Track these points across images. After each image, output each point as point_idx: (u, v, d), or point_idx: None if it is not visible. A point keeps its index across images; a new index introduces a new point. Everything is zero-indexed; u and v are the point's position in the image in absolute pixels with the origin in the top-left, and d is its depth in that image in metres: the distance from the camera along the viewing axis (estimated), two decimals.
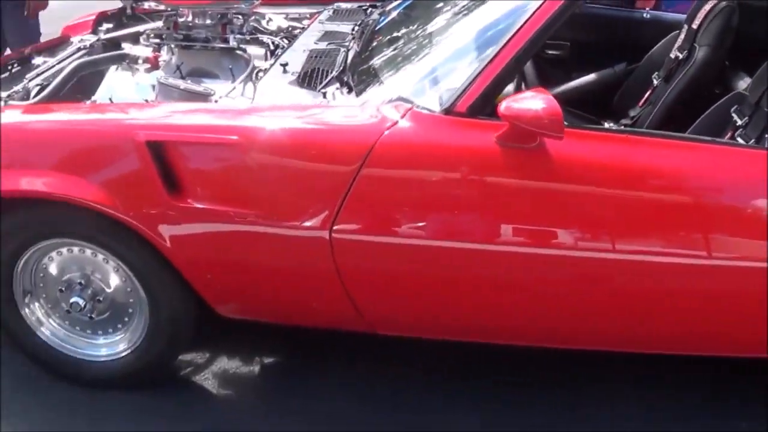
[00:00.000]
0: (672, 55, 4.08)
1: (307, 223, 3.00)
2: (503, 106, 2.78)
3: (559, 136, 2.76)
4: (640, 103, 4.10)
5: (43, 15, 5.55)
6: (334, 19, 4.31)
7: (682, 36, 4.05)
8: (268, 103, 3.32)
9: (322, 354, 3.71)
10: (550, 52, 4.61)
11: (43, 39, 5.06)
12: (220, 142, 3.02)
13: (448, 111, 2.93)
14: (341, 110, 3.15)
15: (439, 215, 2.98)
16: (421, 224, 2.98)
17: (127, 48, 4.03)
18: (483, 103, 2.90)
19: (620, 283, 3.02)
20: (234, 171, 3.04)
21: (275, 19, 4.36)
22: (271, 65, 3.65)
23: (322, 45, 3.83)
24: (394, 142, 2.93)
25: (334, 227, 2.97)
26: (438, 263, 3.03)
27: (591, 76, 4.41)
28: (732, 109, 3.44)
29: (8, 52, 5.06)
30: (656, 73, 4.19)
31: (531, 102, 2.76)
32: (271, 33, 4.18)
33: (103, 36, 4.22)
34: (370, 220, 2.98)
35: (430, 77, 3.17)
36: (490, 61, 2.92)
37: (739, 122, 3.37)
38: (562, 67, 4.61)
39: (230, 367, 3.65)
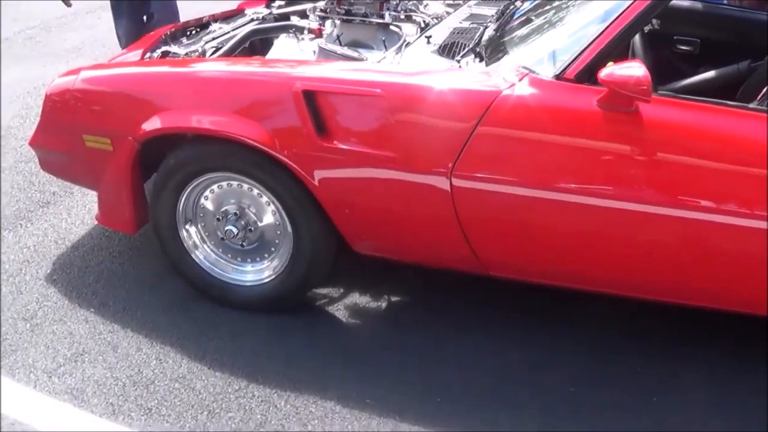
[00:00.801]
0: None
1: (431, 171, 3.44)
2: (603, 73, 3.17)
3: (646, 100, 3.14)
4: (758, 98, 4.26)
5: None
6: (481, 4, 4.69)
7: None
8: (409, 66, 3.74)
9: (448, 296, 4.13)
10: (681, 47, 4.88)
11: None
12: (365, 94, 3.48)
13: (559, 77, 3.33)
14: (469, 75, 3.55)
15: (542, 169, 3.37)
16: (526, 176, 3.38)
17: (295, 20, 4.54)
18: (589, 72, 3.28)
19: (712, 241, 3.36)
20: (374, 120, 3.49)
21: (432, 5, 4.77)
22: (418, 38, 4.07)
23: (466, 24, 4.23)
24: (510, 101, 3.34)
25: (453, 176, 3.39)
26: (539, 213, 3.43)
27: (715, 72, 4.58)
28: None
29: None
30: None
31: (625, 70, 3.16)
32: (426, 13, 4.57)
33: (275, 10, 4.75)
34: (485, 170, 3.40)
35: (549, 50, 3.54)
36: (596, 38, 3.32)
37: None
38: (691, 62, 4.81)
39: (361, 302, 4.06)
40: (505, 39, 3.79)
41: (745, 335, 3.78)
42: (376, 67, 3.72)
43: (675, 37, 4.81)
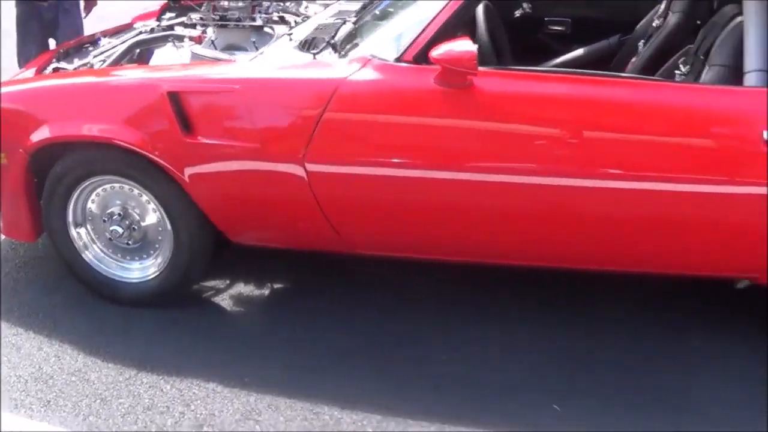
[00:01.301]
0: (654, 24, 4.53)
1: (286, 159, 3.65)
2: (433, 53, 3.40)
3: (473, 73, 3.37)
4: (626, 69, 4.52)
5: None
6: (351, 1, 4.88)
7: (662, 6, 4.50)
8: (267, 62, 3.96)
9: (326, 279, 4.41)
10: (553, 28, 5.12)
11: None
12: (223, 91, 3.71)
13: (399, 60, 3.54)
14: (317, 65, 3.78)
15: (388, 148, 3.60)
16: (374, 156, 3.59)
17: (179, 30, 4.73)
18: (425, 54, 3.50)
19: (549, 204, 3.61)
20: (233, 114, 3.71)
21: (313, 6, 5.00)
22: (280, 36, 4.31)
23: (330, 20, 4.43)
24: (353, 87, 3.56)
25: (307, 161, 3.60)
26: (391, 190, 3.65)
27: (587, 48, 4.86)
28: (680, 61, 3.95)
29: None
30: (641, 41, 4.61)
31: (452, 47, 3.38)
32: (298, 14, 4.80)
33: (164, 22, 4.94)
34: (334, 154, 3.61)
35: (394, 37, 3.76)
36: (431, 21, 3.56)
37: (683, 70, 3.90)
38: (564, 41, 5.06)
39: (244, 291, 4.31)
40: (359, 31, 4.00)
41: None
42: (235, 65, 3.94)
43: (546, 19, 4.99)
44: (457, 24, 3.58)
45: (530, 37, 4.97)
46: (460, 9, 3.51)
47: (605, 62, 4.75)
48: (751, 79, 3.49)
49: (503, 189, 3.52)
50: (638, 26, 4.72)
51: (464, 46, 3.33)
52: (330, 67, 3.65)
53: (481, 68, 3.39)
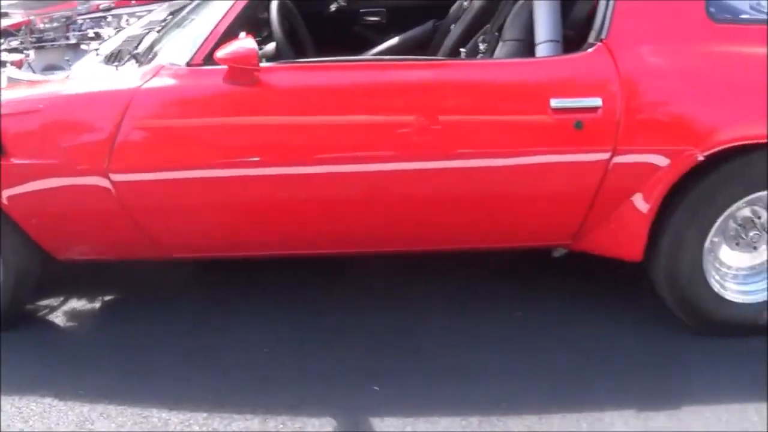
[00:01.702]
0: (464, 6, 4.65)
1: (90, 172, 3.69)
2: (217, 54, 3.49)
3: (256, 69, 3.46)
4: (440, 52, 4.63)
5: None
6: (166, 9, 4.93)
7: None
8: (70, 79, 3.99)
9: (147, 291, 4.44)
10: (368, 18, 5.23)
11: None
12: (30, 111, 3.73)
13: (189, 64, 3.60)
14: (115, 77, 3.82)
15: (188, 150, 3.66)
16: (175, 160, 3.66)
17: (3, 55, 4.69)
18: (213, 55, 3.55)
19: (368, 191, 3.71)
20: (40, 133, 3.73)
21: (132, 20, 4.99)
22: (89, 51, 4.34)
23: (140, 32, 4.47)
24: (147, 95, 3.62)
25: (110, 172, 3.64)
26: (197, 191, 3.71)
27: (402, 36, 4.94)
28: (479, 40, 4.09)
29: None
30: (453, 24, 4.72)
31: (233, 47, 3.47)
32: (116, 29, 4.84)
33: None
34: (136, 161, 3.66)
35: (186, 42, 3.81)
36: (218, 22, 3.65)
37: (481, 48, 4.05)
38: (382, 31, 5.15)
39: (77, 306, 4.34)
40: (160, 39, 4.06)
41: None
42: (44, 85, 3.96)
43: (362, 11, 5.09)
44: (248, 23, 3.68)
45: (348, 30, 5.05)
46: (245, 9, 3.60)
47: (423, 48, 4.84)
48: (542, 50, 3.65)
49: (305, 180, 3.61)
50: (451, 10, 4.82)
51: (246, 44, 3.41)
52: (125, 78, 3.69)
53: (267, 64, 3.51)
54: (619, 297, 4.16)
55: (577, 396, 3.62)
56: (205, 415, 3.53)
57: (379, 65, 3.70)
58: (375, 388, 3.65)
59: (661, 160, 3.56)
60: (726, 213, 3.71)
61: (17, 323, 4.13)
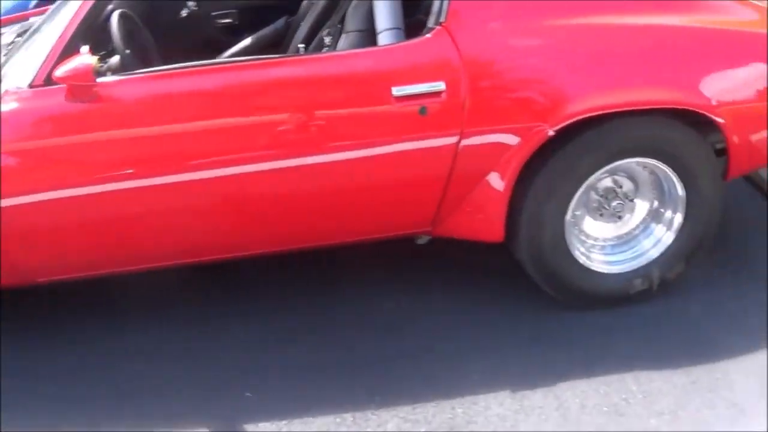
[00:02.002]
0: (313, 0, 4.57)
1: None
2: (55, 73, 3.37)
3: (92, 84, 3.37)
4: (290, 49, 4.55)
5: None
6: (15, 32, 4.71)
7: None
8: None
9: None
10: (221, 21, 5.12)
11: None
12: None
13: (32, 85, 3.48)
14: None
15: (40, 173, 3.53)
16: (27, 184, 3.53)
17: None
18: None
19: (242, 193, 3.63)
20: None
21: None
22: None
23: None
24: None
25: None
26: (51, 213, 3.57)
27: (255, 36, 4.87)
28: (324, 34, 4.05)
29: None
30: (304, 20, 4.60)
31: (70, 64, 3.36)
32: None
33: None
34: None
35: (28, 65, 3.67)
36: (55, 41, 3.53)
37: (326, 42, 4.00)
38: (236, 33, 5.05)
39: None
40: (5, 64, 3.91)
41: None
42: None
43: (213, 13, 5.00)
44: (93, 37, 3.59)
45: (202, 34, 4.94)
46: (82, 24, 3.50)
47: (278, 46, 4.78)
48: (383, 38, 3.60)
49: (158, 191, 3.53)
50: (302, 5, 4.76)
51: (83, 60, 3.32)
52: None
53: (106, 78, 3.45)
54: (487, 277, 4.17)
55: (452, 382, 3.63)
56: None
57: (217, 68, 3.61)
58: (247, 394, 3.62)
59: (511, 139, 3.55)
60: (585, 185, 3.72)
61: None
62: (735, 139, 3.79)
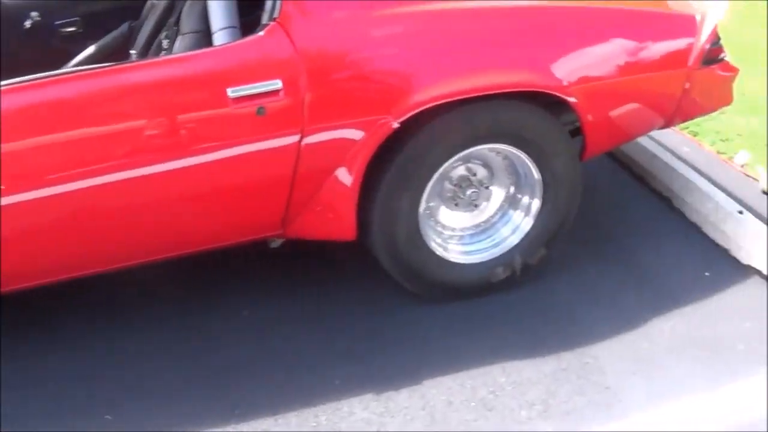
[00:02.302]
0: (154, 3, 4.42)
1: None
2: None
3: None
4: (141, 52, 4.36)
5: None
6: None
7: None
8: None
9: None
10: (65, 30, 4.88)
11: None
12: None
13: None
14: None
15: None
16: None
17: None
18: None
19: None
20: None
21: None
22: None
23: None
24: None
25: None
26: None
27: (99, 44, 4.68)
28: (162, 37, 3.89)
29: None
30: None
31: None
32: None
33: None
34: None
35: None
36: None
37: (165, 45, 3.85)
38: (80, 42, 4.83)
39: None
40: None
41: None
42: None
43: (57, 23, 4.78)
44: None
45: (47, 45, 4.73)
46: None
47: (125, 50, 4.58)
48: (219, 38, 3.45)
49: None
50: (144, 9, 4.56)
51: None
52: None
53: None
54: (343, 277, 4.07)
55: (313, 389, 3.52)
56: None
57: (54, 80, 3.35)
58: (107, 417, 3.43)
59: (356, 134, 3.43)
60: (437, 175, 3.63)
61: None
62: (590, 117, 3.74)
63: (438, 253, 3.76)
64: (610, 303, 3.95)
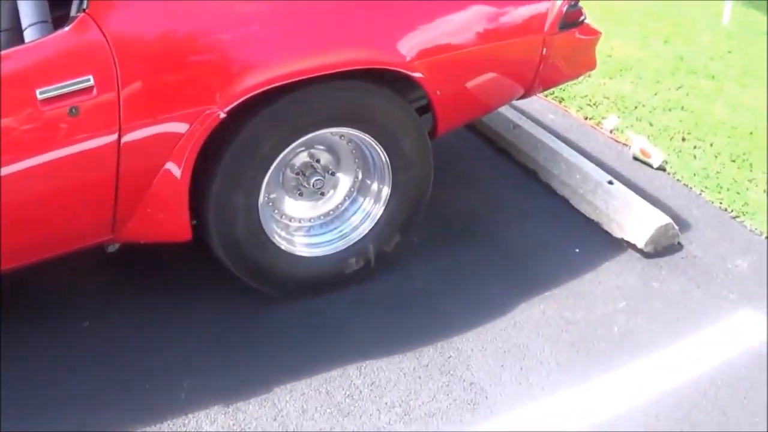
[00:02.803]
0: None
1: None
2: None
3: None
4: None
5: None
6: None
7: None
8: None
9: None
10: None
11: None
12: None
13: None
14: None
15: None
16: None
17: None
18: None
19: None
20: None
21: None
22: None
23: None
24: None
25: None
26: None
27: None
28: None
29: None
30: None
31: None
32: None
33: None
34: None
35: None
36: None
37: None
38: None
39: None
40: None
41: None
42: None
43: None
44: None
45: None
46: None
47: None
48: (29, 34, 3.11)
49: None
50: None
51: None
52: None
53: None
54: (183, 282, 3.78)
55: (158, 404, 3.23)
56: None
57: None
58: None
59: (180, 127, 3.14)
60: (274, 165, 3.37)
61: None
62: (438, 93, 3.50)
63: (283, 247, 3.51)
64: (474, 290, 3.74)
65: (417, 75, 3.39)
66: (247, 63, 3.17)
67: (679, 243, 4.11)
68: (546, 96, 4.89)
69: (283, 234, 3.58)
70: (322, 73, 3.23)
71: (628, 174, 4.42)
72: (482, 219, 4.15)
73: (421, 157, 3.60)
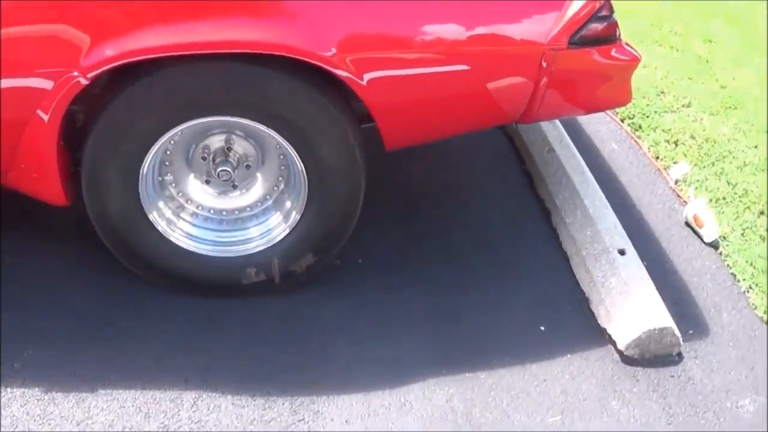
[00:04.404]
0: None
1: None
2: None
3: None
4: None
5: None
6: None
7: None
8: None
9: None
10: None
11: None
12: None
13: None
14: None
15: None
16: None
17: None
18: None
19: None
20: None
21: None
22: None
23: None
24: None
25: None
26: None
27: None
28: None
29: None
30: None
31: None
32: None
33: None
34: None
35: None
36: None
37: None
38: None
39: None
40: None
41: None
42: None
43: None
44: None
45: None
46: None
47: None
48: None
49: None
50: None
51: None
52: None
53: None
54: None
55: None
56: None
57: None
58: None
59: (46, 83, 2.80)
60: (159, 144, 3.00)
61: None
62: (379, 99, 2.91)
63: (160, 229, 3.18)
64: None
65: (341, 73, 2.79)
66: (117, 28, 2.76)
67: (678, 355, 3.18)
68: (622, 118, 3.98)
69: (166, 214, 3.20)
70: (211, 51, 2.76)
71: (668, 243, 3.55)
72: (461, 253, 3.49)
73: (346, 170, 3.02)
